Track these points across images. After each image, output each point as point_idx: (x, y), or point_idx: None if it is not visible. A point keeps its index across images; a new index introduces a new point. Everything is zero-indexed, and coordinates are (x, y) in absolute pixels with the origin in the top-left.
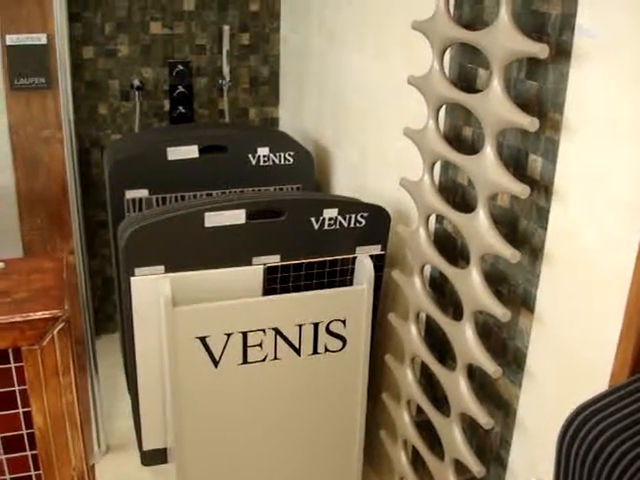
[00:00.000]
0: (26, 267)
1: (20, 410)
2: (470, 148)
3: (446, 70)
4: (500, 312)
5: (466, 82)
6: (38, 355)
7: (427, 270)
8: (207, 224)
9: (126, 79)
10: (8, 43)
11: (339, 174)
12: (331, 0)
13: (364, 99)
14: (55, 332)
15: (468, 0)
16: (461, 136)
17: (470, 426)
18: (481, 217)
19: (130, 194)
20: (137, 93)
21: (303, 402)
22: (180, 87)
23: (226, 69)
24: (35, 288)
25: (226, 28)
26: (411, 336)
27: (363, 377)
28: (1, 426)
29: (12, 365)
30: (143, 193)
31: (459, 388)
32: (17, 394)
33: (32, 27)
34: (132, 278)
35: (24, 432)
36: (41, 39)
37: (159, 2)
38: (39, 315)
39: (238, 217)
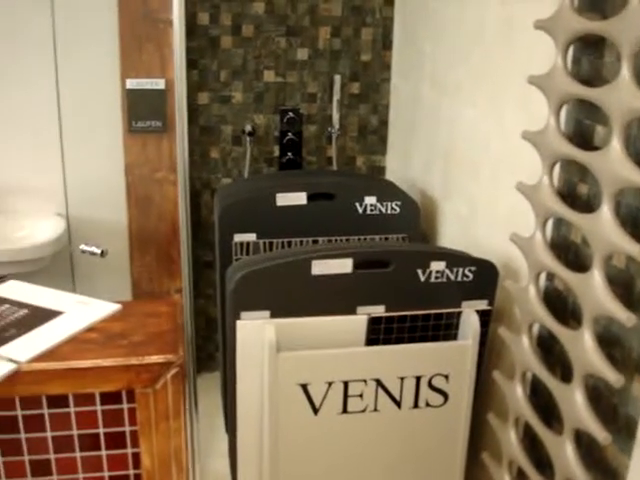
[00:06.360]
0: (142, 310)
1: (129, 450)
2: (585, 206)
3: (562, 125)
4: (613, 377)
5: (582, 138)
6: (151, 398)
7: (535, 328)
8: (314, 272)
9: (238, 125)
10: (128, 87)
11: (446, 225)
12: (444, 52)
13: (475, 152)
14: (169, 377)
15: (587, 56)
16: (576, 193)
17: None
18: (596, 277)
19: (238, 237)
20: (248, 139)
21: (401, 456)
22: (290, 134)
23: (336, 117)
24: (151, 331)
25: (337, 77)
26: (516, 395)
27: (464, 434)
28: (110, 465)
29: (125, 406)
30: (251, 237)
31: (565, 453)
32: (127, 434)
33: (151, 72)
34: (238, 321)
35: (131, 472)
36: (159, 84)
37: (274, 52)
38: (154, 359)
39: (345, 266)
